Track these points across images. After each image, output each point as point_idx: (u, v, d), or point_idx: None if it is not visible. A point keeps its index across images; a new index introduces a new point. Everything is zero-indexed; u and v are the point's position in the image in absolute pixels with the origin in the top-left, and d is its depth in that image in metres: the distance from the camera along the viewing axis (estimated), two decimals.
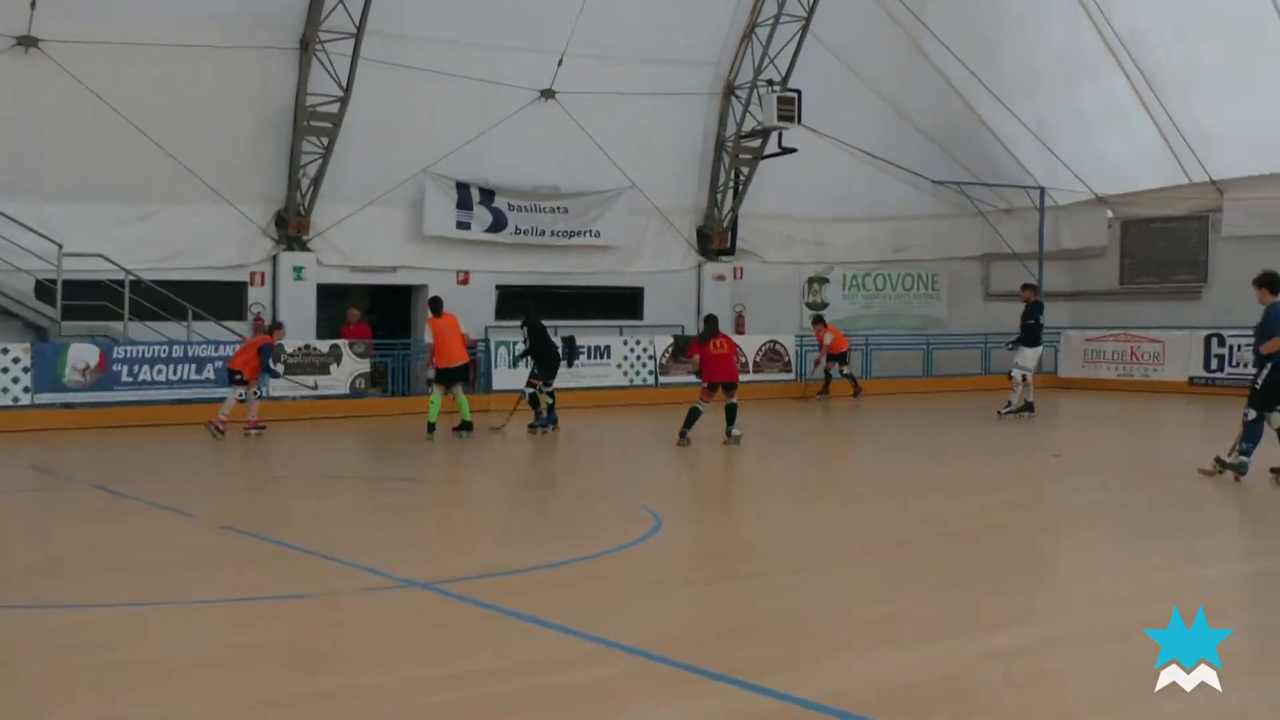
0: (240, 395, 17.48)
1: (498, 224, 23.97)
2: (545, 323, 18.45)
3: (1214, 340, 24.05)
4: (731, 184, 26.17)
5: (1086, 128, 26.40)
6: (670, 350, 24.03)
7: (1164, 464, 13.93)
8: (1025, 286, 21.08)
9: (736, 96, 25.68)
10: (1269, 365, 12.02)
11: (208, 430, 16.97)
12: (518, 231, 24.19)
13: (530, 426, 17.62)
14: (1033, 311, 19.95)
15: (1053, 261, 28.46)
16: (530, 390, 17.88)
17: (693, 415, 16.00)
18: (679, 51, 24.60)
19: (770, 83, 24.82)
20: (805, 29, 24.43)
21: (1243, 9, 22.26)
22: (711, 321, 16.76)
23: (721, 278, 26.56)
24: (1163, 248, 27.33)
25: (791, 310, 27.73)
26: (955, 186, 28.22)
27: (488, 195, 23.84)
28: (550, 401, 17.82)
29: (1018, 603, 7.40)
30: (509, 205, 24.04)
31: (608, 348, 23.35)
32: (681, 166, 25.95)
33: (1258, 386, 12.11)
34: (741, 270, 26.94)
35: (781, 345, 25.32)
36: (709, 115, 26.01)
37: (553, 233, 24.55)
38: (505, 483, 13.64)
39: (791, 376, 25.27)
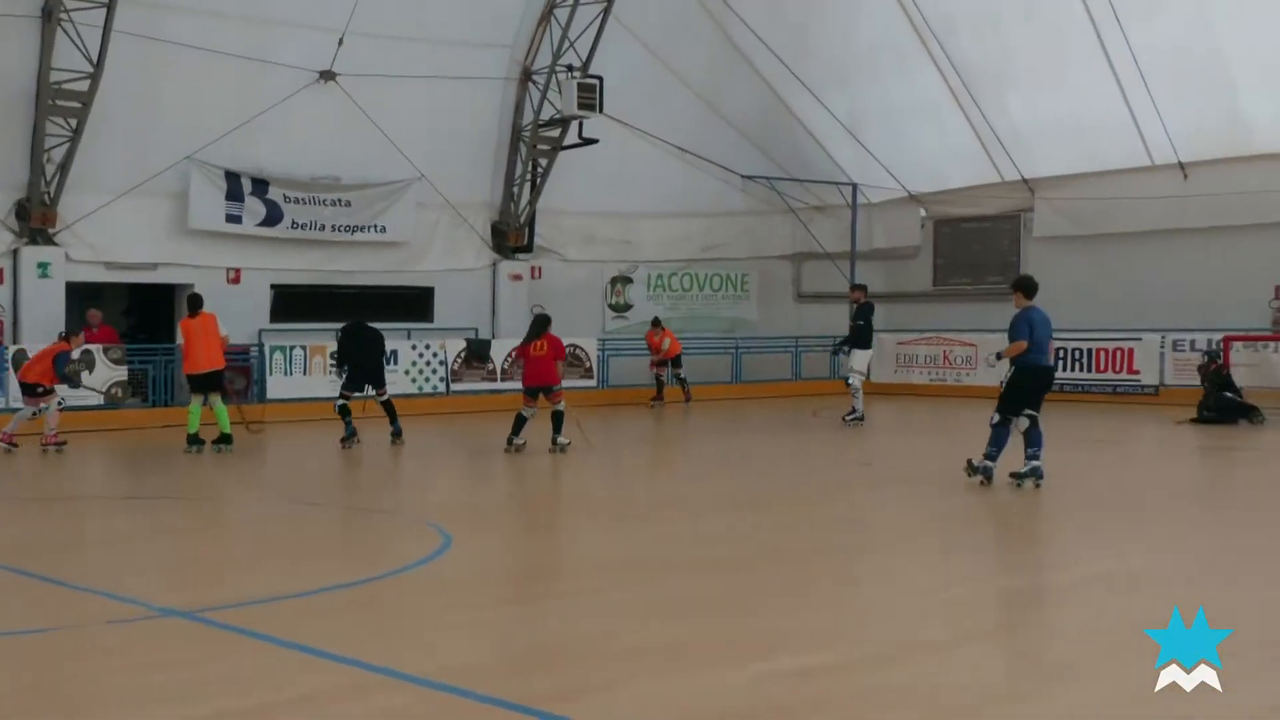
0: (40, 409, 17.07)
1: (272, 217, 23.41)
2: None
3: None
4: (529, 177, 26.14)
5: (900, 123, 27.34)
6: (463, 355, 23.91)
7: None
8: (855, 287, 21.68)
9: (534, 83, 25.69)
10: (1012, 369, 12.79)
11: None
12: (295, 226, 23.67)
13: (342, 440, 17.29)
14: (863, 313, 20.55)
15: (866, 261, 29.32)
16: (341, 401, 17.62)
17: (518, 421, 16.25)
18: (471, 33, 24.45)
19: (570, 69, 24.89)
20: (607, 12, 24.59)
21: (1054, 2, 23.36)
22: (538, 321, 16.91)
23: (518, 277, 26.51)
24: (976, 248, 28.47)
25: (594, 312, 27.88)
26: (766, 182, 28.83)
27: (261, 186, 23.26)
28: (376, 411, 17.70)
29: (819, 622, 7.58)
30: (285, 197, 23.51)
31: (394, 353, 23.04)
32: (475, 157, 25.81)
33: (1002, 390, 12.87)
34: (540, 269, 26.95)
35: (583, 350, 25.44)
36: (504, 102, 25.95)
37: (334, 227, 24.10)
38: (278, 500, 13.34)
39: (593, 383, 25.42)
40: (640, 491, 14.31)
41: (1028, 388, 12.75)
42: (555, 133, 25.73)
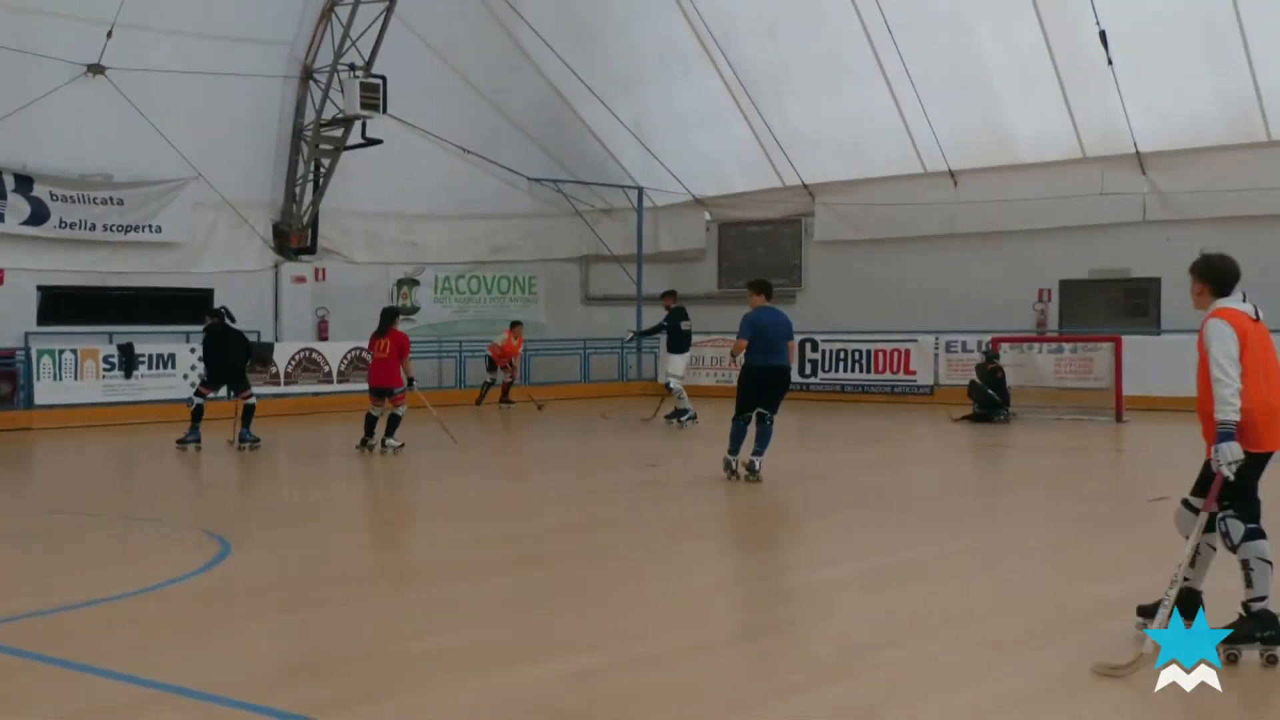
0: None
1: (38, 216, 22.42)
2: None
3: (808, 345, 25.75)
4: (311, 177, 25.64)
5: (684, 127, 27.75)
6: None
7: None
8: (666, 294, 21.91)
9: (315, 81, 25.20)
10: (743, 367, 13.43)
11: None
12: (63, 225, 22.72)
13: (180, 442, 16.99)
14: (674, 317, 20.79)
15: (652, 264, 29.65)
16: (199, 401, 17.39)
17: (367, 421, 16.33)
18: (249, 28, 23.88)
19: (353, 68, 24.50)
20: (390, 11, 24.27)
21: (829, 9, 24.02)
22: (384, 315, 16.82)
23: (302, 279, 25.98)
24: (760, 251, 29.06)
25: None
26: (553, 185, 28.90)
27: (25, 183, 22.25)
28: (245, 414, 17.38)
29: (601, 624, 7.62)
30: (51, 195, 22.54)
31: (172, 356, 22.32)
32: (255, 156, 25.20)
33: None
34: (324, 271, 26.46)
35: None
36: (285, 101, 25.41)
37: (106, 227, 23.22)
38: (40, 511, 12.71)
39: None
40: (428, 496, 14.16)
41: (751, 387, 13.31)
42: (338, 133, 25.27)
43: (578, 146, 28.94)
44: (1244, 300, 6.55)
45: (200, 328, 18.65)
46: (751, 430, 13.32)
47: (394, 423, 16.33)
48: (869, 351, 25.50)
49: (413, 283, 28.33)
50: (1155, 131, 22.89)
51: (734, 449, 13.38)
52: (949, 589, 8.33)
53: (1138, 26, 21.48)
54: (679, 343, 20.76)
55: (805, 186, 27.61)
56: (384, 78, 24.29)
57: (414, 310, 28.00)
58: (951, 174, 25.59)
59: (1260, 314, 6.54)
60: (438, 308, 28.45)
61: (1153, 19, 21.55)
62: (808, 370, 25.81)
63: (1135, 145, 23.06)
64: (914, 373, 25.01)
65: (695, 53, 26.15)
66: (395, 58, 24.72)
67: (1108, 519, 11.56)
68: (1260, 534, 6.39)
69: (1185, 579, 6.43)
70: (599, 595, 8.45)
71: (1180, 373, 21.30)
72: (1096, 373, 21.89)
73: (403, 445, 16.26)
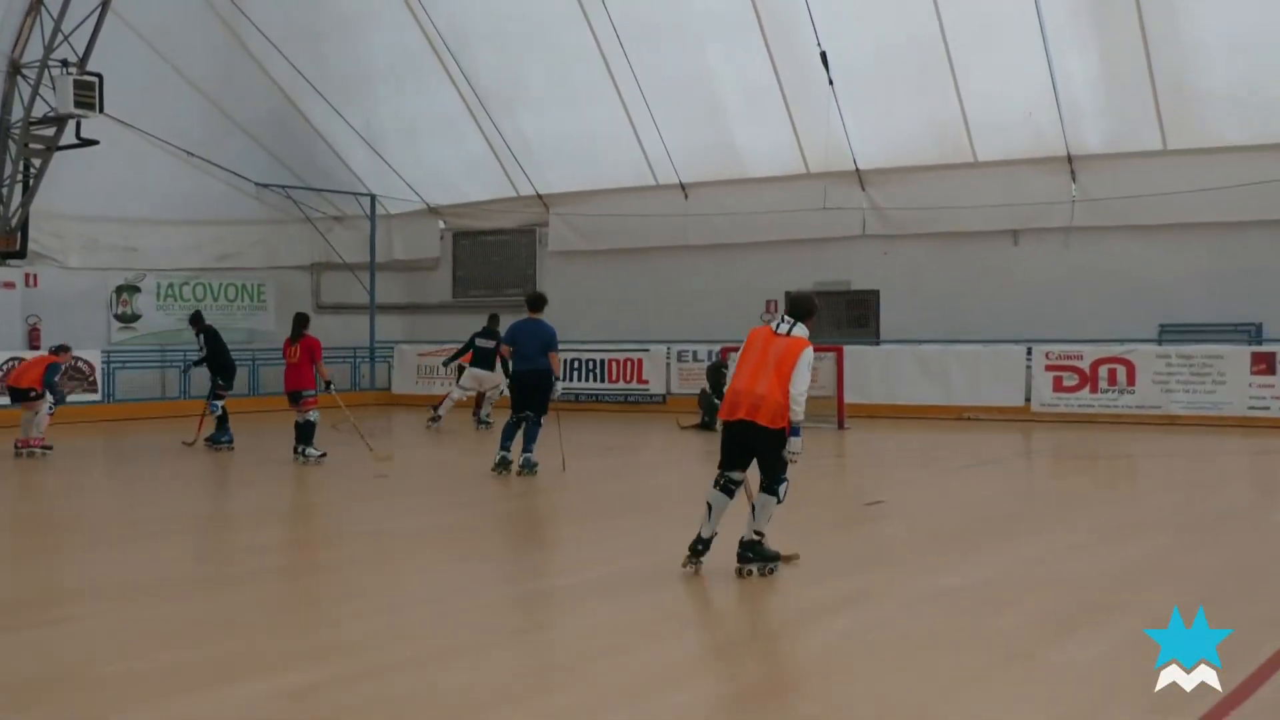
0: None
1: None
2: None
3: None
4: (21, 178, 24.27)
5: (417, 136, 27.50)
6: None
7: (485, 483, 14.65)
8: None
9: (24, 77, 23.88)
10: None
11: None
12: None
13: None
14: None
15: (386, 272, 29.26)
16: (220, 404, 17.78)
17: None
18: None
19: (65, 64, 23.30)
20: (105, 5, 23.16)
21: (562, 22, 24.19)
22: (296, 321, 16.56)
23: (11, 284, 24.59)
24: (495, 260, 29.03)
25: (98, 322, 26.33)
26: (281, 190, 28.20)
27: None
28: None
29: (324, 637, 7.44)
30: None
31: None
32: None
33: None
34: (35, 276, 25.12)
35: (86, 363, 23.89)
36: None
37: None
38: None
39: (98, 397, 23.94)
40: (158, 509, 13.53)
41: (513, 392, 14.62)
42: (50, 131, 24.00)
43: (307, 152, 28.31)
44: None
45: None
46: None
47: (308, 430, 15.85)
48: (603, 361, 25.74)
49: (134, 289, 27.17)
50: (873, 150, 23.91)
51: (502, 446, 14.44)
52: (679, 596, 8.47)
53: (856, 51, 22.42)
54: (484, 360, 20.80)
55: (539, 196, 27.72)
56: (100, 75, 23.18)
57: (134, 318, 26.88)
58: (682, 187, 26.11)
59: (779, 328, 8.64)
60: (161, 315, 27.35)
61: (870, 43, 22.52)
62: None
63: (855, 162, 24.02)
64: (646, 382, 25.36)
65: (428, 61, 25.93)
66: (112, 55, 23.52)
67: (827, 522, 11.94)
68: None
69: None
70: (324, 608, 8.25)
71: (897, 380, 22.57)
72: (820, 381, 22.62)
73: (324, 455, 15.86)
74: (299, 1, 25.76)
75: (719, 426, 8.89)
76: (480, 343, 21.00)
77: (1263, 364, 20.33)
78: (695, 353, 24.59)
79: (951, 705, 5.95)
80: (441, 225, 29.62)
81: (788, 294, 7.86)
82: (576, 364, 25.75)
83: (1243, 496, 14.42)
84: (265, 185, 27.95)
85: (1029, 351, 22.04)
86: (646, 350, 25.43)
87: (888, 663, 6.63)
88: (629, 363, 25.56)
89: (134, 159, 25.52)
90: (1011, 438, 20.11)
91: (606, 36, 23.77)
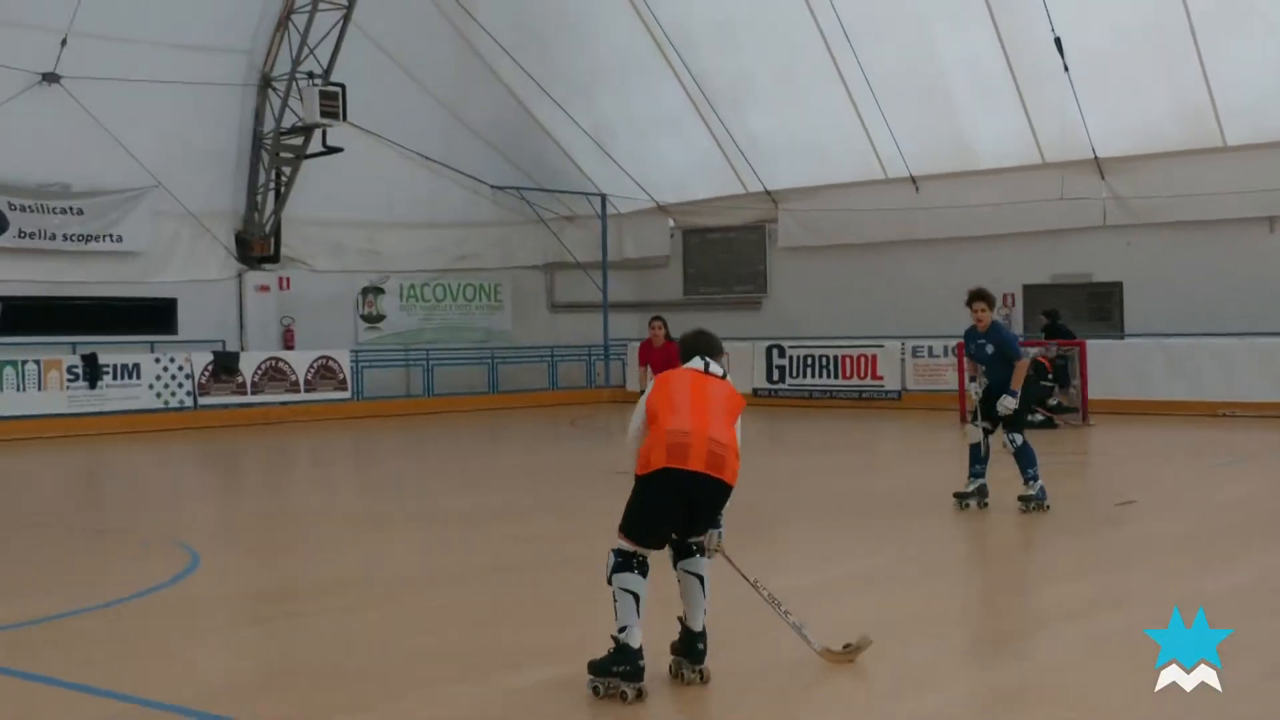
0: None
1: None
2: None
3: (775, 351, 25.84)
4: (273, 185, 25.55)
5: (645, 134, 27.83)
6: (210, 368, 23.17)
7: None
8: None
9: (274, 89, 25.13)
10: None
11: None
12: (22, 235, 22.57)
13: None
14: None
15: (617, 271, 29.66)
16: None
17: None
18: (206, 36, 23.85)
19: (311, 76, 24.43)
20: (347, 19, 24.19)
21: (787, 16, 24.14)
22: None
23: (265, 288, 25.86)
24: (724, 258, 29.15)
25: (345, 323, 27.45)
26: (515, 192, 28.89)
27: None
28: None
29: (566, 634, 7.54)
30: (10, 205, 22.41)
31: (137, 366, 22.24)
32: (215, 165, 25.11)
33: None
34: (288, 280, 26.35)
35: (335, 361, 24.98)
36: (244, 109, 25.35)
37: (66, 236, 23.09)
38: (2, 523, 12.60)
39: (347, 395, 25.00)
40: (396, 504, 14.10)
41: None
42: (298, 141, 25.21)
43: (539, 154, 28.96)
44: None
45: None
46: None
47: None
48: (836, 357, 25.49)
49: (378, 291, 28.27)
50: (1113, 137, 23.10)
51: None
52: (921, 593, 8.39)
53: (1093, 34, 21.73)
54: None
55: (768, 193, 27.71)
56: (343, 85, 24.24)
57: (379, 319, 27.99)
58: (913, 179, 25.75)
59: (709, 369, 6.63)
60: (404, 316, 28.41)
61: (1107, 27, 21.80)
62: (775, 376, 25.86)
63: (1094, 151, 23.28)
64: (881, 378, 25.04)
65: (655, 60, 26.22)
66: (354, 66, 24.62)
67: (1077, 520, 11.61)
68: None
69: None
70: (563, 605, 8.46)
71: (1144, 375, 21.75)
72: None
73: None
74: (527, 6, 26.40)
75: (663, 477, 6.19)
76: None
77: None
78: (930, 347, 24.18)
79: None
80: (671, 223, 29.89)
81: (699, 331, 6.54)
82: (809, 360, 25.59)
83: None
84: (500, 188, 28.69)
85: None
86: (881, 346, 25.05)
87: (1145, 670, 6.42)
88: (863, 359, 25.18)
89: (376, 165, 26.53)
90: (1272, 435, 19.14)
91: (832, 29, 23.60)
